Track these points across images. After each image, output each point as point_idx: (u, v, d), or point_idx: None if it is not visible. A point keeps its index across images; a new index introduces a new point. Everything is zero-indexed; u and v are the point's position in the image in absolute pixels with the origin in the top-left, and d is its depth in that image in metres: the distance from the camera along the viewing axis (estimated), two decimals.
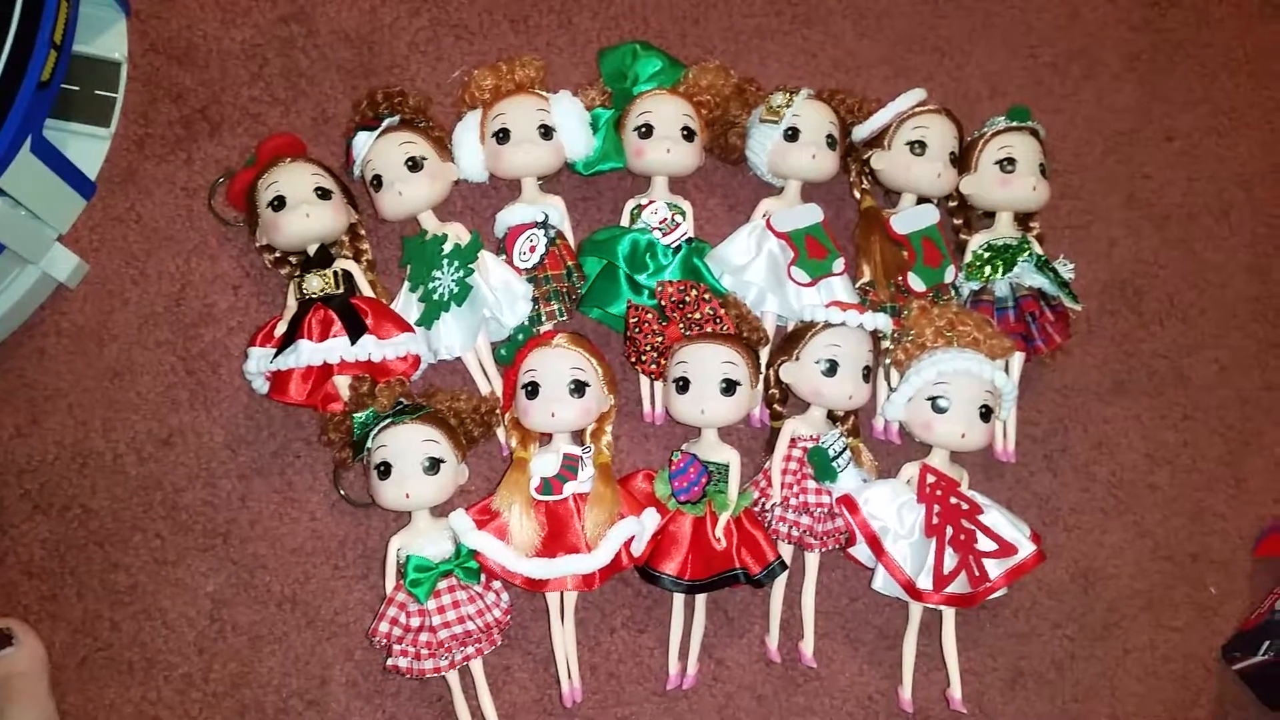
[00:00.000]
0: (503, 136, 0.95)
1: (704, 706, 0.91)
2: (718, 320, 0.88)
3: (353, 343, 0.88)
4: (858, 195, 1.01)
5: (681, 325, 0.89)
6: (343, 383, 0.89)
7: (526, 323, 0.93)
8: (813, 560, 0.90)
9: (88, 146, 1.00)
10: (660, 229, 0.96)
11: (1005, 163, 0.97)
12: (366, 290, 0.93)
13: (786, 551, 0.90)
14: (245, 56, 1.03)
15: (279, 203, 0.91)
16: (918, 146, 0.97)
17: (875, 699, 0.93)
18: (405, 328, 0.91)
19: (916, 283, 0.96)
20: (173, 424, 0.94)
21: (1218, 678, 0.97)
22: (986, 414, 0.88)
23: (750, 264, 0.95)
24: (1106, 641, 0.96)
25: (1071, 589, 0.97)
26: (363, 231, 0.97)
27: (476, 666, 0.86)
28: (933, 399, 0.88)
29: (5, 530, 0.91)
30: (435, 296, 0.92)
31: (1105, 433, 1.01)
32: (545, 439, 0.90)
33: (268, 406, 0.95)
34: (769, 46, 1.09)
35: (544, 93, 0.98)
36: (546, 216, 0.96)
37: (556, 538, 0.86)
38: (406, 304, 0.95)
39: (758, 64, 1.08)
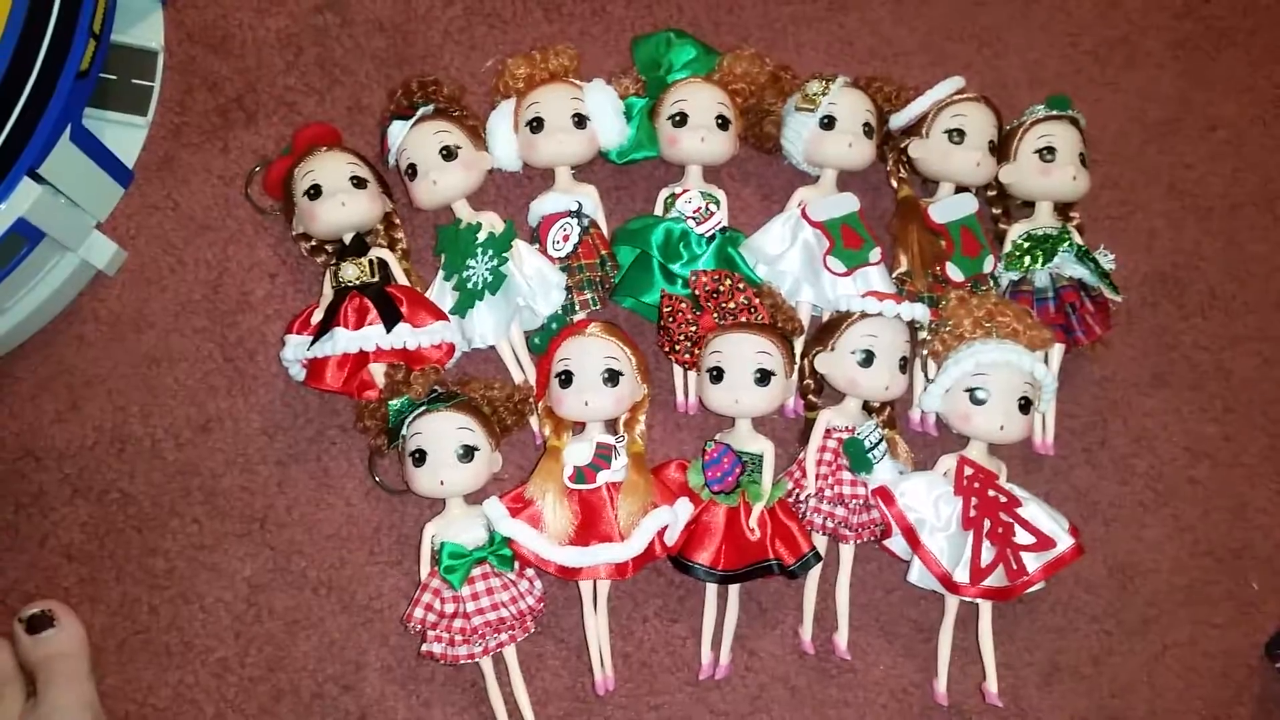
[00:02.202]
0: (536, 125, 0.95)
1: (736, 697, 0.91)
2: (752, 310, 0.87)
3: (388, 330, 0.88)
4: (895, 184, 1.00)
5: (716, 315, 0.88)
6: (378, 370, 0.90)
7: (560, 312, 0.93)
8: (847, 552, 0.90)
9: (125, 135, 1.00)
10: (694, 218, 0.95)
11: (1045, 152, 0.96)
12: (401, 278, 0.94)
13: (820, 543, 0.89)
14: (280, 45, 1.04)
15: (315, 191, 0.91)
16: (956, 135, 0.96)
17: (910, 692, 0.92)
18: (440, 316, 0.91)
19: (955, 273, 0.95)
20: (210, 410, 0.95)
21: (1260, 675, 0.95)
22: (1025, 406, 0.87)
23: (785, 253, 0.94)
24: (1145, 637, 0.95)
25: (1110, 583, 0.96)
26: (397, 220, 0.97)
27: (510, 653, 0.87)
28: (971, 390, 0.87)
29: (46, 514, 0.92)
30: (469, 285, 0.92)
31: (1145, 426, 1.00)
32: (578, 428, 0.90)
33: (304, 393, 0.95)
34: (804, 34, 1.08)
35: (578, 81, 0.98)
36: (580, 205, 0.95)
37: (590, 526, 0.86)
38: (441, 292, 0.95)
39: (793, 51, 1.07)
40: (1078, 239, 0.95)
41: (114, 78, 1.00)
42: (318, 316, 0.91)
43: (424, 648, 0.84)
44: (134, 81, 1.02)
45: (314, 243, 0.95)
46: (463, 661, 0.84)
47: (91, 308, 0.96)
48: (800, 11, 1.09)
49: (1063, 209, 0.99)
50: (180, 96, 1.02)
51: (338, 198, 0.91)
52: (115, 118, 1.00)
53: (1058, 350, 0.95)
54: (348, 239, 0.93)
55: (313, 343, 0.89)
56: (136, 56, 1.02)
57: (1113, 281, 0.94)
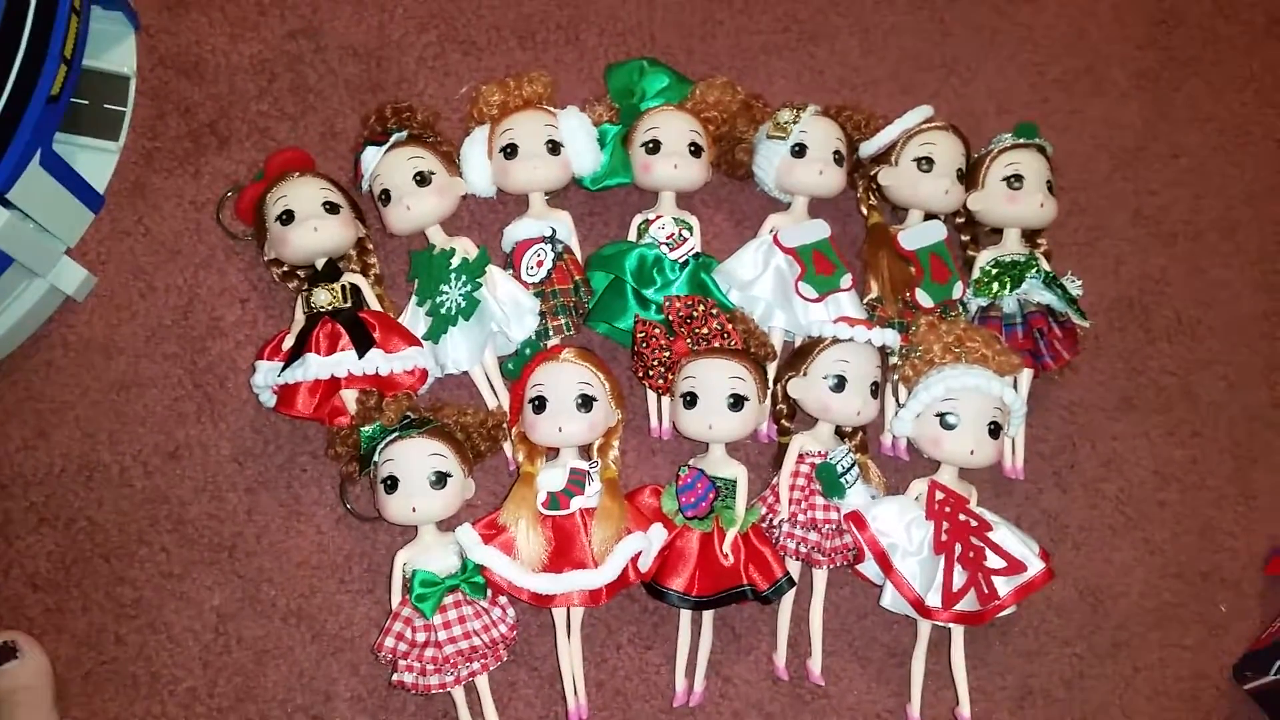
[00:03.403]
0: (510, 152, 0.96)
1: None
2: (725, 335, 0.88)
3: (360, 356, 0.88)
4: (865, 211, 1.01)
5: (689, 340, 0.88)
6: (350, 397, 0.89)
7: (534, 337, 0.93)
8: (820, 577, 0.90)
9: (96, 160, 1.00)
10: (668, 244, 0.96)
11: (1012, 179, 0.97)
12: (374, 304, 0.93)
13: (794, 568, 0.89)
14: (254, 71, 1.04)
15: (287, 217, 0.91)
16: (925, 163, 0.97)
17: (883, 716, 0.92)
18: (412, 341, 0.91)
19: (924, 299, 0.96)
20: (179, 437, 0.94)
21: (1229, 697, 0.96)
22: (995, 430, 0.88)
23: (758, 279, 0.95)
24: (1116, 660, 0.95)
25: (1080, 607, 0.96)
26: (370, 245, 0.97)
27: (482, 683, 0.86)
28: (941, 415, 0.88)
29: (11, 543, 0.91)
30: (443, 311, 0.92)
31: (1114, 450, 1.01)
32: (552, 454, 0.90)
33: (274, 420, 0.94)
34: (775, 63, 1.09)
35: (552, 108, 0.99)
36: (554, 231, 0.96)
37: (563, 553, 0.85)
38: (414, 318, 0.94)
39: (764, 80, 1.08)
40: (1045, 265, 0.96)
41: (85, 102, 1.00)
42: (289, 342, 0.90)
43: (395, 677, 0.84)
44: (106, 106, 1.01)
45: (286, 268, 0.95)
46: (434, 691, 0.83)
47: (60, 334, 0.96)
48: (771, 41, 1.10)
49: (1030, 235, 1.00)
50: (152, 122, 1.02)
51: (310, 223, 0.90)
52: (86, 143, 1.00)
53: (1026, 375, 0.96)
54: (320, 264, 0.92)
55: (284, 368, 0.88)
56: (108, 81, 1.02)
57: (1080, 307, 0.95)
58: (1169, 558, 0.99)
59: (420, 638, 0.82)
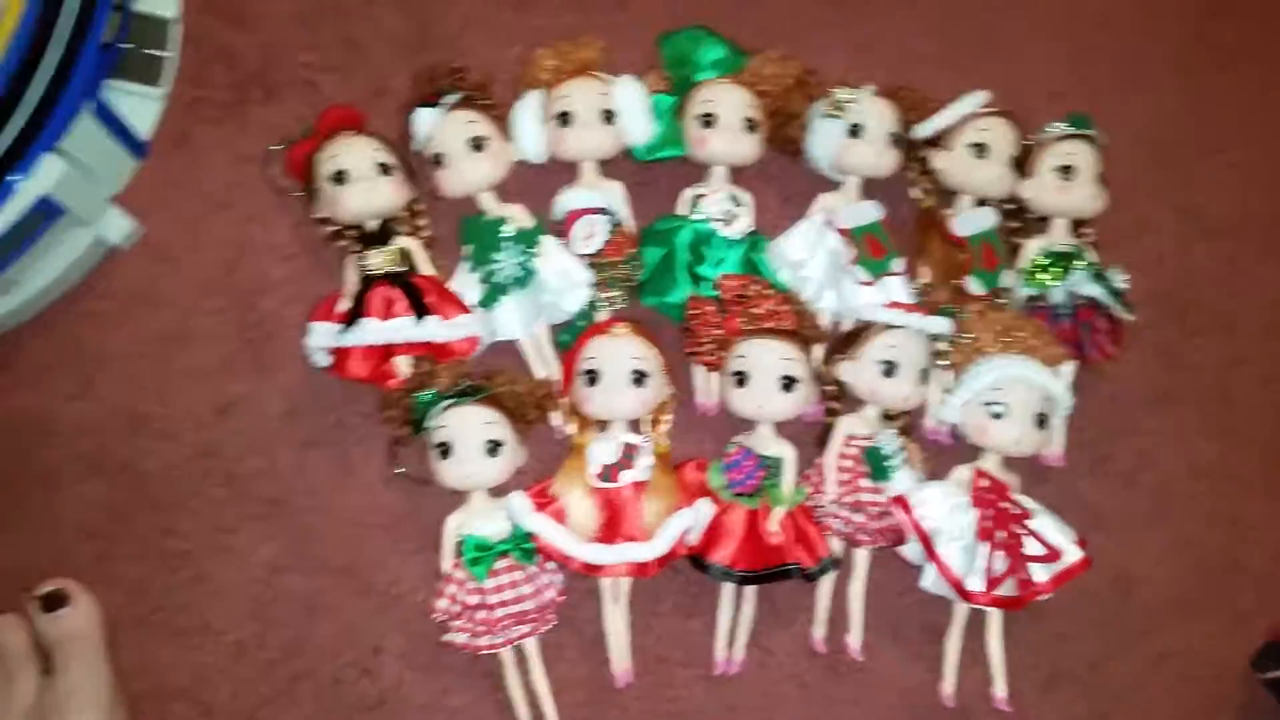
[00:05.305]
0: (565, 119, 0.95)
1: (750, 691, 0.92)
2: (778, 316, 0.88)
3: (417, 322, 0.88)
4: (920, 194, 1.01)
5: (741, 319, 0.89)
6: (403, 362, 0.89)
7: (585, 309, 0.93)
8: (862, 557, 0.92)
9: (139, 106, 0.98)
10: (722, 220, 0.96)
11: (1064, 169, 0.97)
12: (427, 268, 0.93)
13: (835, 545, 0.91)
14: (299, 22, 1.02)
15: (340, 177, 0.90)
16: (980, 149, 0.97)
17: (916, 691, 0.94)
18: (464, 308, 0.91)
19: (974, 286, 0.96)
20: (229, 392, 0.94)
21: (1247, 687, 0.98)
22: (1042, 421, 0.89)
23: (809, 260, 0.95)
24: (1141, 647, 0.98)
25: (1110, 594, 0.98)
26: (421, 208, 0.96)
27: (531, 645, 0.87)
28: (989, 404, 0.89)
29: (60, 491, 0.91)
30: (496, 279, 0.92)
31: (1149, 442, 1.02)
32: (603, 425, 0.90)
33: (323, 379, 0.94)
34: (826, 37, 1.08)
35: (605, 75, 0.98)
36: (608, 204, 0.95)
37: (614, 524, 0.87)
38: (464, 283, 0.94)
39: (816, 54, 1.07)
40: (1093, 256, 0.97)
41: (128, 46, 0.98)
42: (344, 305, 0.90)
43: (447, 637, 0.85)
44: (147, 51, 0.99)
45: (335, 228, 0.94)
46: (484, 652, 0.85)
47: (105, 284, 0.95)
48: (823, 15, 1.09)
49: (1076, 225, 1.00)
50: (196, 70, 1.00)
51: (363, 184, 0.90)
52: (129, 88, 0.97)
53: (1070, 366, 0.97)
54: (373, 226, 0.92)
55: (343, 331, 0.88)
56: (150, 25, 0.99)
57: (1125, 300, 0.96)
58: (1197, 549, 1.01)
59: (472, 600, 0.84)
